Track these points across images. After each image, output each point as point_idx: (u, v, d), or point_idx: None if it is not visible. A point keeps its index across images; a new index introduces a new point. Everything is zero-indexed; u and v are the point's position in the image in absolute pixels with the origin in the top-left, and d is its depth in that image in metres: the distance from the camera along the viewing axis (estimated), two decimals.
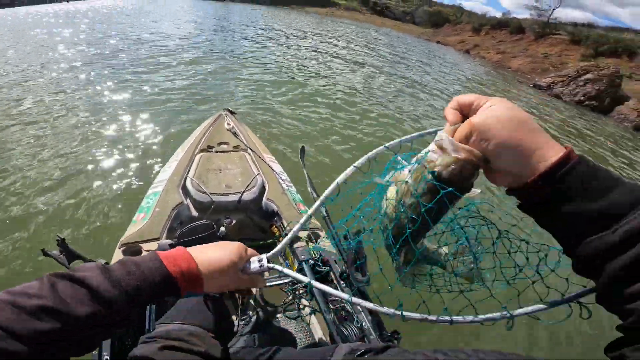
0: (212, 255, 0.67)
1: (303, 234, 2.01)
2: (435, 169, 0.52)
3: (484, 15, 41.76)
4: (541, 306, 0.52)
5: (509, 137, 0.45)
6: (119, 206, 3.27)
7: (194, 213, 2.14)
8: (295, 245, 1.96)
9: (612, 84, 15.53)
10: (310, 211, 0.76)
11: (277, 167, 2.58)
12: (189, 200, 2.17)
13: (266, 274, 1.19)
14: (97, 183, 3.56)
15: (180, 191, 2.17)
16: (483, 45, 30.58)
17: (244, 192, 2.21)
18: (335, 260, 1.89)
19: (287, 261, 2.13)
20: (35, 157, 3.85)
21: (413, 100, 8.31)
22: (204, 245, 0.70)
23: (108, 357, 1.30)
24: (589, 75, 15.94)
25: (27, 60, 7.22)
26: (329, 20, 37.06)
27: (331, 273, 1.82)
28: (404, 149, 0.65)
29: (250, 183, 2.26)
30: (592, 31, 29.08)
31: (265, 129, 5.10)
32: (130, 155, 4.08)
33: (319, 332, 1.69)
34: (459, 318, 0.55)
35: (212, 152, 2.59)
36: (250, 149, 2.64)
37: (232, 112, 3.24)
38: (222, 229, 1.71)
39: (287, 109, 6.19)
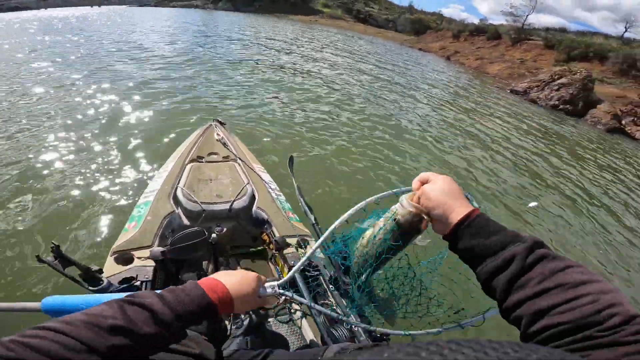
0: (238, 283, 0.78)
1: (292, 241, 2.06)
2: (397, 217, 0.79)
3: (462, 22, 42.49)
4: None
5: (439, 201, 0.71)
6: (110, 215, 3.27)
7: (185, 221, 2.17)
8: (285, 252, 2.02)
9: (584, 87, 15.88)
10: (314, 246, 0.97)
11: (266, 176, 2.63)
12: (179, 209, 2.20)
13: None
14: (87, 193, 3.56)
15: (171, 200, 2.20)
16: (463, 52, 31.14)
17: (234, 200, 2.24)
18: (324, 265, 1.95)
19: (277, 267, 2.18)
20: (26, 168, 3.83)
21: (401, 110, 8.44)
22: (229, 273, 0.81)
23: None
24: (562, 80, 16.29)
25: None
26: (314, 28, 37.28)
27: (321, 277, 1.89)
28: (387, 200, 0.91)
29: (240, 192, 2.31)
30: (564, 36, 29.86)
31: (254, 139, 5.16)
32: (120, 166, 4.08)
33: (310, 334, 1.74)
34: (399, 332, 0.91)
35: (202, 162, 2.63)
36: (240, 159, 2.69)
37: (221, 123, 3.27)
38: (214, 235, 1.75)
39: (277, 119, 6.26)
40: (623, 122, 14.79)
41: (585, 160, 8.55)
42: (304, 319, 1.87)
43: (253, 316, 1.55)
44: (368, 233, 0.86)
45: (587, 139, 11.18)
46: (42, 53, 9.14)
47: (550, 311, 0.50)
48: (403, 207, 0.78)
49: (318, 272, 1.89)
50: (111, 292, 1.35)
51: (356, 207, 0.89)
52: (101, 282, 1.34)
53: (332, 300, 1.78)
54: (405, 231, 0.79)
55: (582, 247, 4.46)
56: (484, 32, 34.21)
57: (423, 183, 0.78)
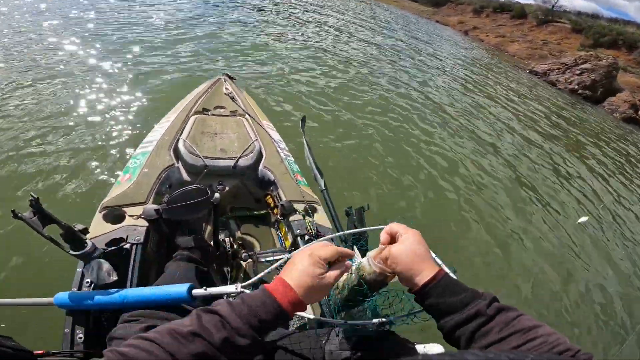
0: (304, 279, 0.71)
1: (300, 207, 1.87)
2: (363, 273, 0.80)
3: None
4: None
5: (407, 265, 0.73)
6: (103, 166, 3.04)
7: (185, 176, 1.98)
8: (291, 219, 1.83)
9: (608, 75, 15.33)
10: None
11: (275, 134, 2.41)
12: (180, 163, 2.01)
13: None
14: (78, 141, 3.30)
15: (172, 153, 1.99)
16: (483, 28, 29.81)
17: (240, 157, 2.04)
18: (332, 240, 1.77)
19: (279, 233, 2.00)
20: (10, 113, 3.56)
21: (410, 74, 8.02)
22: (294, 267, 0.73)
23: (82, 336, 1.18)
24: (586, 65, 15.70)
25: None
26: None
27: None
28: None
29: (247, 148, 2.10)
30: (595, 21, 28.54)
31: (265, 98, 4.82)
32: (118, 115, 3.79)
33: (310, 313, 1.57)
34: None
35: (208, 115, 2.40)
36: (249, 114, 2.46)
37: (231, 78, 3.03)
38: (217, 195, 1.54)
39: (290, 79, 5.87)
40: None
41: (601, 145, 8.25)
42: None
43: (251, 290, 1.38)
44: (343, 277, 0.84)
45: (602, 125, 10.84)
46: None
47: None
48: (369, 264, 0.79)
49: None
50: (95, 257, 1.14)
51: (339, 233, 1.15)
52: (85, 244, 1.13)
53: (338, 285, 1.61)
54: (371, 285, 0.80)
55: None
56: (508, 10, 32.63)
57: (393, 236, 0.80)
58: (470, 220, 3.81)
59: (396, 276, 0.78)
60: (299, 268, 0.72)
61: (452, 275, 0.76)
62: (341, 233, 1.26)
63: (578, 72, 15.62)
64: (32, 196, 0.98)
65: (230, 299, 0.68)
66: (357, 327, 0.85)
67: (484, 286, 3.09)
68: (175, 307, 1.03)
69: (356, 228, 1.49)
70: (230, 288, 0.95)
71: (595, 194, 5.48)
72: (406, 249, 0.74)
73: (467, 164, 4.89)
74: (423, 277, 0.71)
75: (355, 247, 1.13)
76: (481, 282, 3.11)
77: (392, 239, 0.80)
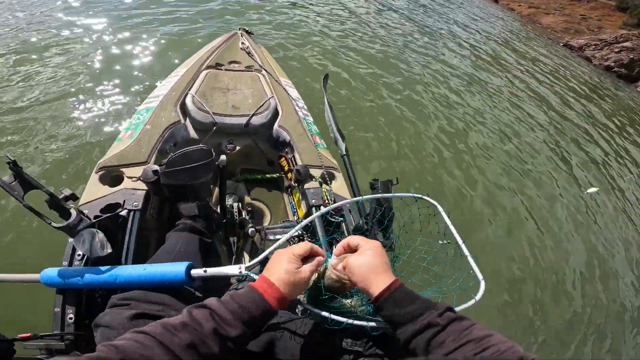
0: (283, 276, 0.73)
1: (317, 173, 1.65)
2: (323, 279, 0.83)
3: None
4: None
5: (362, 276, 0.75)
6: (103, 122, 2.81)
7: (192, 134, 1.78)
8: (306, 186, 1.61)
9: None
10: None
11: (294, 92, 2.16)
12: (187, 120, 1.80)
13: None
14: (73, 93, 3.03)
15: (178, 109, 1.78)
16: None
17: (253, 114, 1.83)
18: (350, 210, 1.56)
19: (292, 201, 1.80)
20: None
21: (429, 41, 7.45)
22: (274, 265, 0.76)
23: (73, 316, 1.07)
24: (627, 44, 14.74)
25: None
26: None
27: (343, 225, 1.50)
28: None
29: (261, 106, 1.87)
30: None
31: (284, 53, 4.44)
32: (121, 68, 3.47)
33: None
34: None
35: (222, 69, 2.17)
36: (265, 70, 2.21)
37: (248, 32, 2.76)
38: (223, 157, 1.33)
39: (313, 37, 5.36)
40: None
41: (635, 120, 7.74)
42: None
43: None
44: (314, 276, 0.84)
45: (637, 102, 10.12)
46: None
47: None
48: (327, 270, 0.82)
49: (342, 218, 1.50)
50: (81, 230, 0.95)
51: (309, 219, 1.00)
52: (69, 215, 0.94)
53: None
54: (330, 289, 0.83)
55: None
56: None
57: (352, 248, 0.81)
58: (498, 196, 3.55)
59: (352, 286, 0.81)
60: (278, 266, 0.75)
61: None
62: (359, 198, 1.17)
63: (617, 49, 14.66)
64: (9, 158, 0.82)
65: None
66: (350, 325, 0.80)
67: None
68: (171, 287, 0.94)
69: (381, 204, 1.27)
70: (233, 269, 0.89)
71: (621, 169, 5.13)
72: (362, 260, 0.76)
73: (498, 139, 4.53)
74: (376, 288, 0.72)
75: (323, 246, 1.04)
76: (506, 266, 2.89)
77: (353, 250, 0.81)
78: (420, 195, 1.01)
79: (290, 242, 1.60)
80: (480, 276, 0.85)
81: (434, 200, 1.02)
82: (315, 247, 0.81)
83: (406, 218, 1.10)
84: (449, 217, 0.98)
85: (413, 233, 1.08)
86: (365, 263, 0.75)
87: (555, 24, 20.52)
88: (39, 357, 0.95)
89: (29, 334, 0.92)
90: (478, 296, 0.82)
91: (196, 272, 0.91)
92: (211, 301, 0.68)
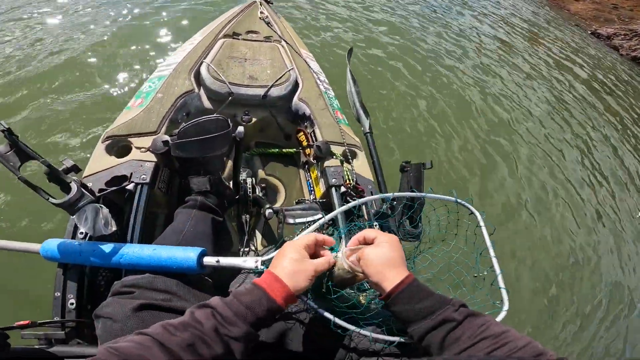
0: (290, 269, 0.70)
1: (338, 150, 1.51)
2: (335, 269, 0.77)
3: None
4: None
5: (377, 269, 0.71)
6: (112, 90, 2.66)
7: (207, 104, 1.67)
8: (326, 164, 1.48)
9: None
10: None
11: (315, 65, 2.01)
12: (201, 90, 1.68)
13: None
14: (83, 59, 2.85)
15: (192, 78, 1.66)
16: None
17: (272, 85, 1.69)
18: (372, 192, 1.43)
19: (309, 178, 1.68)
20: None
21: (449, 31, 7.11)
22: (282, 259, 0.72)
23: (74, 302, 0.99)
24: None
25: None
26: None
27: (363, 207, 1.37)
28: None
29: (281, 77, 1.74)
30: None
31: (305, 24, 4.19)
32: (134, 34, 3.26)
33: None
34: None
35: (239, 39, 2.02)
36: (285, 41, 2.06)
37: (267, 1, 2.58)
38: (240, 129, 1.21)
39: (336, 7, 5.00)
40: None
41: None
42: None
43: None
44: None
45: None
46: None
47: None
48: (340, 260, 0.77)
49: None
50: (81, 207, 0.83)
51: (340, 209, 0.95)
52: (69, 189, 0.82)
53: None
54: (338, 280, 0.78)
55: None
56: None
57: (368, 242, 0.78)
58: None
59: (364, 278, 0.77)
60: (282, 258, 0.72)
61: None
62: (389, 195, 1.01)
63: None
64: (3, 125, 0.73)
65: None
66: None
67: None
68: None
69: (411, 188, 1.13)
70: (249, 262, 0.83)
71: None
72: (379, 252, 0.73)
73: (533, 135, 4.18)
74: (391, 283, 0.69)
75: (342, 237, 1.07)
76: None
77: (369, 243, 0.78)
78: (463, 202, 0.91)
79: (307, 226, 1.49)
80: (506, 305, 0.80)
81: (477, 211, 0.91)
82: (320, 236, 0.78)
83: (438, 216, 0.98)
84: (490, 235, 0.89)
85: (440, 229, 1.00)
86: (382, 255, 0.72)
87: (584, 12, 19.60)
88: (37, 347, 0.86)
89: (27, 322, 0.84)
90: (505, 307, 0.79)
91: (208, 260, 0.84)
92: (214, 300, 0.65)
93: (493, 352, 0.57)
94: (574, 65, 7.62)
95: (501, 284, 0.83)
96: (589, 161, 4.22)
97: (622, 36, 14.45)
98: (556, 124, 4.64)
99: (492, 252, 0.86)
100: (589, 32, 14.95)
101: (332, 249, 0.81)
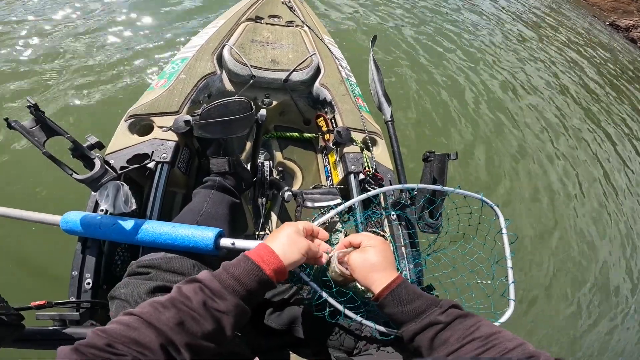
0: (286, 246, 0.67)
1: (358, 137, 1.45)
2: (328, 272, 0.78)
3: None
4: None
5: (363, 274, 0.70)
6: (136, 71, 2.59)
7: (228, 86, 1.62)
8: (345, 150, 1.42)
9: None
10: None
11: (337, 51, 1.93)
12: (223, 73, 1.63)
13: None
14: (108, 41, 2.79)
15: (215, 60, 1.61)
16: None
17: (294, 70, 1.62)
18: (390, 181, 1.37)
19: (327, 164, 1.62)
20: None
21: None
22: (279, 234, 0.70)
23: (90, 281, 0.97)
24: None
25: None
26: None
27: (381, 196, 1.31)
28: None
29: (303, 62, 1.66)
30: None
31: (329, 10, 4.03)
32: (160, 18, 3.17)
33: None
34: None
35: (261, 23, 1.95)
36: (308, 26, 1.97)
37: None
38: (263, 112, 1.18)
39: None
40: None
41: None
42: None
43: None
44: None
45: None
46: None
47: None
48: (332, 263, 0.76)
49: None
50: (104, 182, 0.80)
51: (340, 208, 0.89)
52: (93, 165, 0.79)
53: (386, 231, 1.27)
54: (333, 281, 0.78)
55: None
56: None
57: (354, 245, 0.76)
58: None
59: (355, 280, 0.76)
60: (279, 234, 0.70)
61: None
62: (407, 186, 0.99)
63: None
64: (30, 101, 0.72)
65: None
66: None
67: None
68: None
69: (434, 179, 1.06)
70: None
71: None
72: (363, 258, 0.71)
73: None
74: (377, 286, 0.68)
75: (360, 224, 1.12)
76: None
77: (355, 247, 0.77)
78: (490, 203, 0.86)
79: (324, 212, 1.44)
80: (505, 317, 0.77)
81: (502, 215, 0.86)
82: (316, 227, 0.77)
83: (459, 216, 0.93)
84: (511, 243, 0.84)
85: (459, 229, 0.95)
86: (366, 261, 0.71)
87: (602, 3, 18.68)
88: (51, 327, 0.83)
89: (43, 302, 0.82)
90: (503, 319, 0.77)
91: (224, 242, 0.81)
92: (202, 274, 0.61)
93: (482, 354, 0.55)
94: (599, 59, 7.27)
95: (512, 295, 0.79)
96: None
97: None
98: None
99: (509, 263, 0.82)
100: (607, 22, 14.31)
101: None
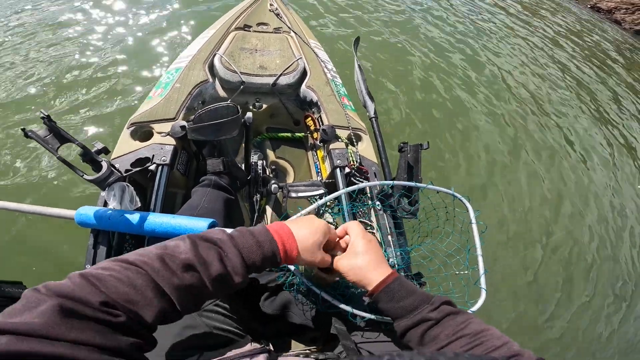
0: (307, 234, 0.64)
1: (343, 134, 1.51)
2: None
3: None
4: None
5: (356, 278, 0.68)
6: (136, 81, 2.70)
7: (221, 92, 1.69)
8: (332, 146, 1.48)
9: None
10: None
11: (323, 54, 1.99)
12: (216, 80, 1.70)
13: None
14: (108, 55, 2.89)
15: (206, 68, 1.68)
16: None
17: (281, 74, 1.69)
18: (375, 173, 1.43)
19: (317, 161, 1.68)
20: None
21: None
22: (303, 221, 0.67)
23: None
24: None
25: None
26: None
27: (367, 188, 1.38)
28: None
29: (289, 66, 1.73)
30: None
31: (314, 14, 4.09)
32: (154, 30, 3.26)
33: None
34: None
35: (250, 31, 2.00)
36: (294, 31, 2.03)
37: None
38: (249, 114, 1.25)
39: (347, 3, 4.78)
40: None
41: None
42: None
43: None
44: None
45: None
46: None
47: None
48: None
49: (367, 182, 1.37)
50: (111, 182, 0.90)
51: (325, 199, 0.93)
52: (100, 167, 0.89)
53: (373, 221, 1.32)
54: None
55: None
56: None
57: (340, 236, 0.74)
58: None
59: (334, 280, 0.79)
60: (310, 226, 0.66)
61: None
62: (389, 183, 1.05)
63: None
64: (43, 113, 0.79)
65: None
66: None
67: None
68: None
69: (410, 166, 1.12)
70: None
71: None
72: (354, 263, 0.69)
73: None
74: (371, 284, 0.67)
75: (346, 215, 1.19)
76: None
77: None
78: (460, 197, 0.89)
79: (312, 203, 1.50)
80: (476, 306, 0.79)
81: (470, 206, 0.89)
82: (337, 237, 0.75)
83: (437, 211, 0.97)
84: (482, 233, 0.88)
85: (438, 222, 0.99)
86: (356, 264, 0.68)
87: None
88: None
89: None
90: (475, 307, 0.78)
91: None
92: (220, 236, 0.56)
93: (469, 351, 0.55)
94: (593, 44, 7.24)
95: (482, 284, 0.81)
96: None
97: (624, 10, 13.62)
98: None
99: (479, 251, 0.84)
100: (588, 5, 14.15)
101: None
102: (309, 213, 0.87)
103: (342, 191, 0.96)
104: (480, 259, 0.83)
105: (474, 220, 0.88)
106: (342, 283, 0.85)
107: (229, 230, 0.60)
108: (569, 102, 4.59)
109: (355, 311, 0.76)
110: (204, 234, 0.56)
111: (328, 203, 1.45)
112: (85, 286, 0.40)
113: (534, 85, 4.64)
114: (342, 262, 0.70)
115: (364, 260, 0.68)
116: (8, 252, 1.76)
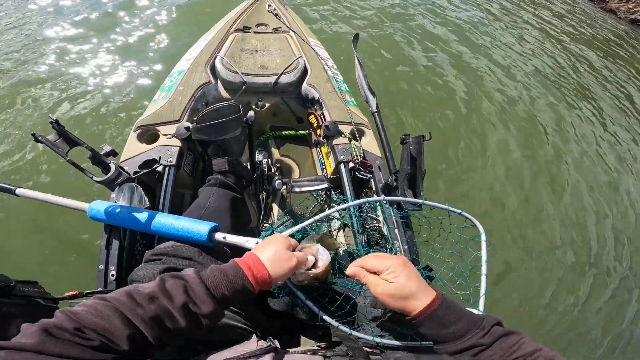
0: (276, 260, 0.65)
1: (346, 129, 1.49)
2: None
3: None
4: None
5: (398, 306, 0.62)
6: (140, 85, 2.71)
7: (223, 93, 1.68)
8: (335, 142, 1.47)
9: None
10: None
11: (323, 52, 1.97)
12: (218, 81, 1.70)
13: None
14: (116, 59, 2.92)
15: (208, 70, 1.67)
16: None
17: (282, 73, 1.67)
18: (379, 167, 1.41)
19: (321, 157, 1.67)
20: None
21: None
22: (263, 244, 0.69)
23: (115, 273, 1.05)
24: None
25: None
26: None
27: (372, 181, 1.37)
28: None
29: (290, 65, 1.72)
30: None
31: (313, 14, 4.03)
32: (153, 33, 3.27)
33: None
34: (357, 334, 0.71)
35: (249, 32, 1.99)
36: (293, 31, 2.01)
37: None
38: (251, 113, 1.26)
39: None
40: None
41: None
42: (341, 233, 1.41)
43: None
44: None
45: None
46: None
47: None
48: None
49: (371, 175, 1.36)
50: (120, 183, 0.91)
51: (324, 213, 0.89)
52: (109, 169, 0.89)
53: (379, 215, 1.30)
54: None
55: None
56: None
57: (370, 271, 0.67)
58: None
59: (318, 282, 0.76)
60: (269, 246, 0.67)
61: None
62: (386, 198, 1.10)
63: None
64: (52, 118, 0.79)
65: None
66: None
67: None
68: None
69: (413, 158, 1.10)
70: (249, 243, 0.82)
71: None
72: (393, 289, 0.62)
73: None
74: (414, 310, 0.61)
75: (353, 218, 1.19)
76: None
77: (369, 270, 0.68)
78: (469, 216, 0.85)
79: (316, 198, 1.48)
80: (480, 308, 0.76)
81: (480, 225, 0.85)
82: (294, 241, 0.73)
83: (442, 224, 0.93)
84: (487, 248, 0.82)
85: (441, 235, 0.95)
86: (396, 292, 0.62)
87: None
88: None
89: (75, 292, 0.90)
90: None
91: (218, 236, 0.86)
92: (188, 273, 0.59)
93: None
94: (572, 30, 7.15)
95: (481, 306, 0.77)
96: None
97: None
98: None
99: (484, 269, 0.79)
100: None
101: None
102: (309, 225, 0.88)
103: (335, 209, 0.91)
104: (483, 278, 0.79)
105: (483, 237, 0.83)
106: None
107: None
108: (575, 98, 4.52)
109: (359, 334, 0.71)
110: (174, 274, 0.59)
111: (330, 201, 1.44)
112: (62, 317, 0.46)
113: (522, 77, 4.55)
114: (380, 290, 0.64)
115: (405, 287, 0.62)
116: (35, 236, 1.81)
